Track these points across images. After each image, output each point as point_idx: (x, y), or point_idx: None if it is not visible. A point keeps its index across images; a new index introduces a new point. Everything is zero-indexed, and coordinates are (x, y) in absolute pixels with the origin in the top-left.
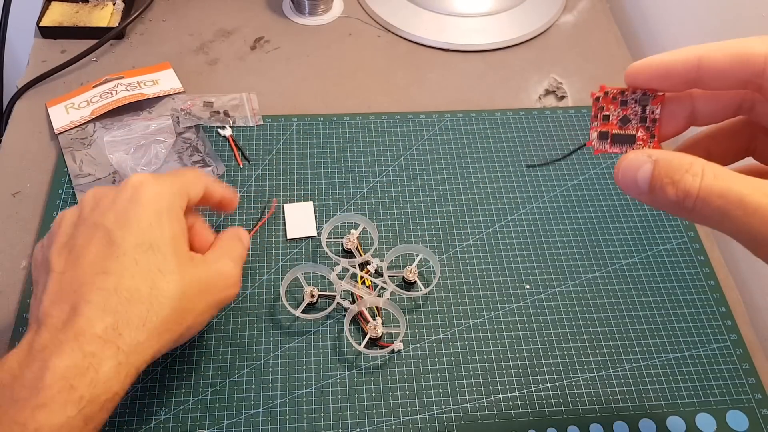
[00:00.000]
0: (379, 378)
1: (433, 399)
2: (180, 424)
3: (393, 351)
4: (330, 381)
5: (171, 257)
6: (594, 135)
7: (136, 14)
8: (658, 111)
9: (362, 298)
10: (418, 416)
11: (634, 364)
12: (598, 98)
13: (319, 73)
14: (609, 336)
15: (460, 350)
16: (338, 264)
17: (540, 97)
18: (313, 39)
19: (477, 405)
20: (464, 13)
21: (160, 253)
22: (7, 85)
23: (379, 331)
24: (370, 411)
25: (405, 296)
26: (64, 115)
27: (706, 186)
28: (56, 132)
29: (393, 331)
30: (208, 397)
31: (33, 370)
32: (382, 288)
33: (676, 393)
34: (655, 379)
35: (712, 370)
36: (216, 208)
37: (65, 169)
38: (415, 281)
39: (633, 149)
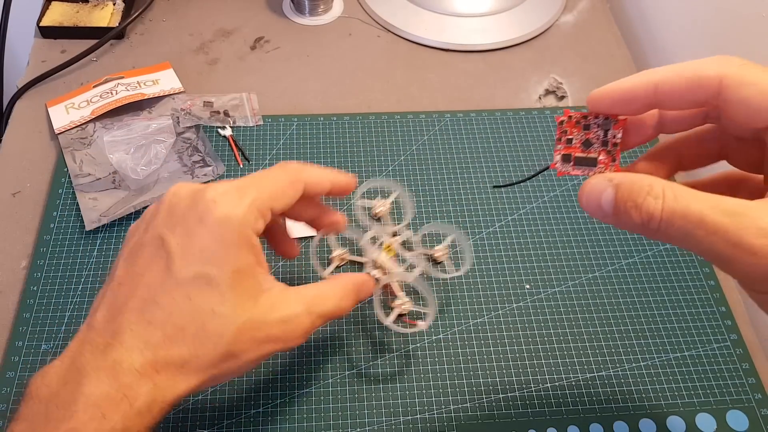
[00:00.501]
0: (379, 378)
1: (433, 399)
2: (180, 424)
3: (417, 331)
4: (330, 381)
5: (229, 296)
6: (557, 157)
7: (136, 14)
8: (619, 135)
9: (390, 271)
10: (418, 416)
11: (634, 364)
12: (562, 122)
13: (319, 73)
14: (609, 336)
15: (460, 350)
16: (370, 229)
17: (540, 97)
18: (313, 39)
19: (477, 405)
20: (464, 13)
21: (218, 291)
22: (7, 85)
23: (408, 308)
24: (370, 411)
25: (435, 277)
26: (64, 115)
27: (668, 207)
28: (56, 132)
29: (422, 311)
30: (209, 396)
31: (68, 390)
32: (412, 265)
33: (676, 393)
34: (655, 378)
35: (712, 370)
36: (330, 195)
37: (65, 169)
38: (443, 262)
39: (595, 173)
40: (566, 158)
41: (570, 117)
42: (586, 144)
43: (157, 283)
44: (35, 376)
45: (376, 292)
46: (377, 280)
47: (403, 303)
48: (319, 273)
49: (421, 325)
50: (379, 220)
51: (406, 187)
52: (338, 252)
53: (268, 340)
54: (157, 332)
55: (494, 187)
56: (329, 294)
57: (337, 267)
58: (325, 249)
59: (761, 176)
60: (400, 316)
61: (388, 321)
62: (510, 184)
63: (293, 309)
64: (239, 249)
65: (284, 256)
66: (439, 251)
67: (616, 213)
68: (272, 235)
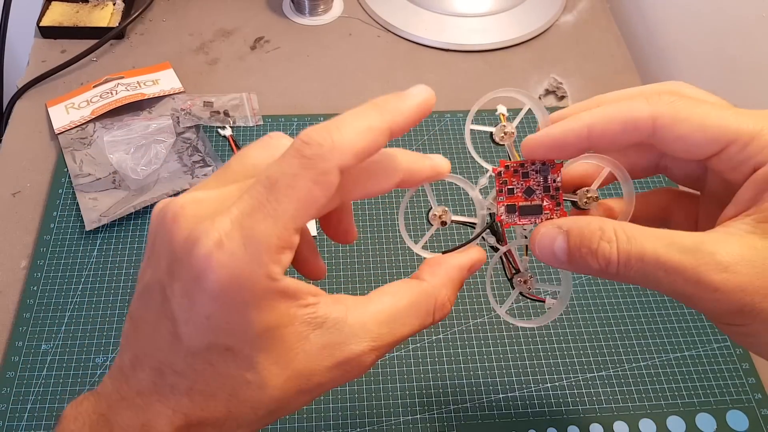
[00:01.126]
0: (379, 378)
1: (433, 399)
2: None
3: (546, 321)
4: None
5: (261, 359)
6: (501, 209)
7: (136, 14)
8: (559, 180)
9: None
10: (418, 416)
11: (634, 364)
12: (499, 173)
13: (319, 73)
14: (609, 336)
15: (460, 350)
16: (486, 173)
17: (540, 97)
18: (313, 39)
19: (477, 405)
20: (464, 13)
21: (242, 357)
22: (7, 85)
23: (532, 285)
24: (370, 411)
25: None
26: (64, 115)
27: (623, 250)
28: (56, 132)
29: (550, 289)
30: None
31: None
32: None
33: (676, 393)
34: (655, 378)
35: (712, 370)
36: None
37: (65, 169)
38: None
39: (542, 220)
40: (511, 209)
41: (507, 167)
42: (528, 192)
43: (168, 347)
44: (70, 405)
45: (490, 266)
46: (495, 250)
47: (525, 279)
48: (412, 248)
49: (554, 305)
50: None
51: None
52: (436, 211)
53: (320, 388)
54: (184, 399)
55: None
56: (409, 312)
57: (438, 230)
58: (416, 209)
59: (695, 194)
60: (521, 295)
61: (503, 310)
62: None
63: (354, 348)
64: (258, 309)
65: (311, 278)
66: (589, 194)
67: (571, 260)
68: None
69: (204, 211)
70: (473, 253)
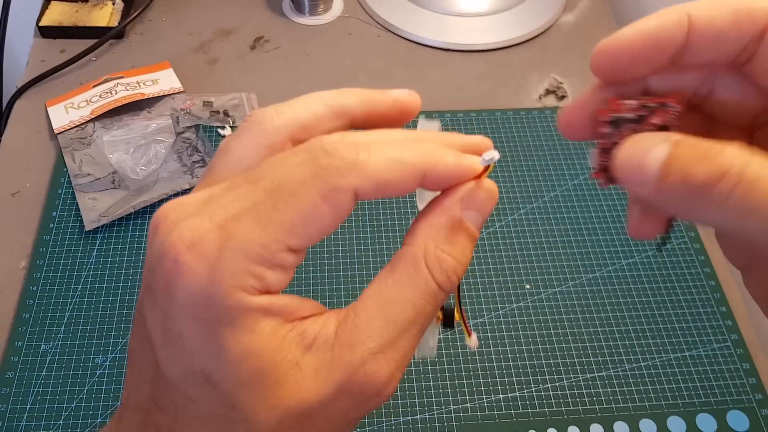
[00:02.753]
0: None
1: (433, 399)
2: None
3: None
4: None
5: (243, 395)
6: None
7: (136, 14)
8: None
9: None
10: (418, 416)
11: (634, 364)
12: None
13: (318, 72)
14: (609, 336)
15: (460, 350)
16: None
17: (540, 97)
18: (313, 39)
19: (477, 405)
20: (464, 13)
21: (222, 389)
22: (6, 85)
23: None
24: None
25: None
26: (63, 114)
27: (752, 170)
28: (56, 132)
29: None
30: None
31: None
32: None
33: (676, 393)
34: (655, 379)
35: (712, 370)
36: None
37: (65, 169)
38: None
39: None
40: (615, 123)
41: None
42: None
43: (150, 378)
44: None
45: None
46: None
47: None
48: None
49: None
50: None
51: None
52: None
53: (329, 425)
54: None
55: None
56: (399, 286)
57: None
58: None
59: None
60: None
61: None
62: None
63: (351, 358)
64: (233, 328)
65: None
66: None
67: (665, 174)
68: None
69: (186, 215)
70: (451, 167)
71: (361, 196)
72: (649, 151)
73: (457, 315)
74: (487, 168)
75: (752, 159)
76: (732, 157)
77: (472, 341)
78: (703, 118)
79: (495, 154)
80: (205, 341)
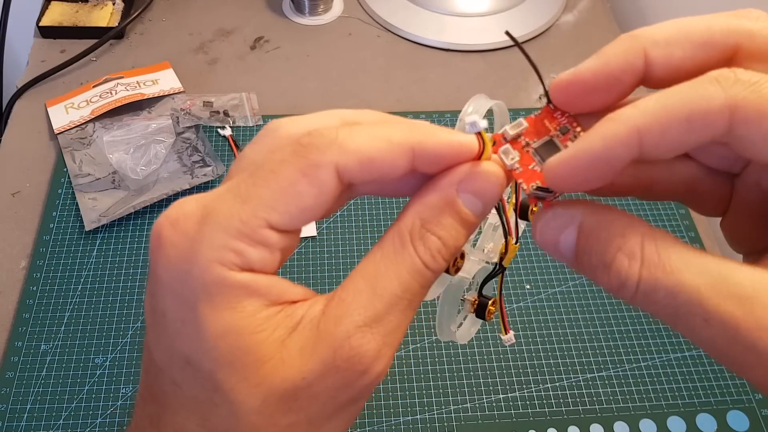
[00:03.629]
0: None
1: (433, 399)
2: None
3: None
4: None
5: (224, 376)
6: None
7: (136, 14)
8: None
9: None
10: (418, 416)
11: (634, 364)
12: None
13: (319, 72)
14: (609, 336)
15: (460, 350)
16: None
17: (540, 97)
18: (313, 39)
19: (477, 405)
20: (464, 13)
21: (203, 370)
22: (6, 85)
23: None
24: (370, 411)
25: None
26: (63, 114)
27: (649, 278)
28: (56, 132)
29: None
30: None
31: None
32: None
33: (676, 393)
34: (655, 379)
35: (712, 371)
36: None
37: (65, 169)
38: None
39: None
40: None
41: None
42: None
43: (147, 367)
44: None
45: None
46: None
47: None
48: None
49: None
50: None
51: None
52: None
53: (316, 407)
54: None
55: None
56: (385, 259)
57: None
58: None
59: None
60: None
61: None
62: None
63: (337, 332)
64: (211, 305)
65: None
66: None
67: (577, 262)
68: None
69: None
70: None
71: (345, 173)
72: (560, 232)
73: (492, 307)
74: (484, 145)
75: (645, 262)
76: (627, 263)
77: (508, 337)
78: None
79: (477, 119)
80: (185, 321)
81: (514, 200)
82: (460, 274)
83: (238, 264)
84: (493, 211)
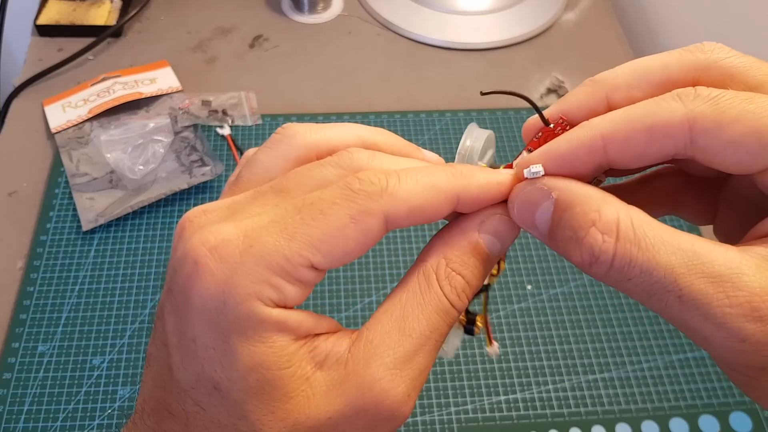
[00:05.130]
0: None
1: (434, 401)
2: None
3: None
4: None
5: (251, 406)
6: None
7: (134, 12)
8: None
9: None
10: (419, 418)
11: (636, 366)
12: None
13: (318, 71)
14: (611, 337)
15: (460, 351)
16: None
17: (542, 96)
18: (312, 37)
19: (478, 407)
20: (465, 11)
21: (231, 400)
22: (3, 84)
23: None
24: None
25: None
26: (60, 114)
27: (623, 253)
28: (53, 131)
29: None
30: None
31: None
32: None
33: (679, 395)
34: (657, 380)
35: (715, 372)
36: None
37: (62, 169)
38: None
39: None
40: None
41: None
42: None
43: (165, 383)
44: None
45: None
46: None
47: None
48: None
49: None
50: None
51: None
52: None
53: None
54: None
55: (482, 93)
56: (412, 299)
57: None
58: None
59: (714, 179)
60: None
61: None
62: (497, 92)
63: (366, 374)
64: (245, 338)
65: None
66: None
67: (551, 238)
68: None
69: (210, 220)
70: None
71: (393, 222)
72: (536, 207)
73: (480, 322)
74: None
75: (621, 238)
76: (601, 238)
77: (493, 349)
78: (678, 172)
79: (541, 169)
80: (216, 348)
81: None
82: None
83: (274, 300)
84: None
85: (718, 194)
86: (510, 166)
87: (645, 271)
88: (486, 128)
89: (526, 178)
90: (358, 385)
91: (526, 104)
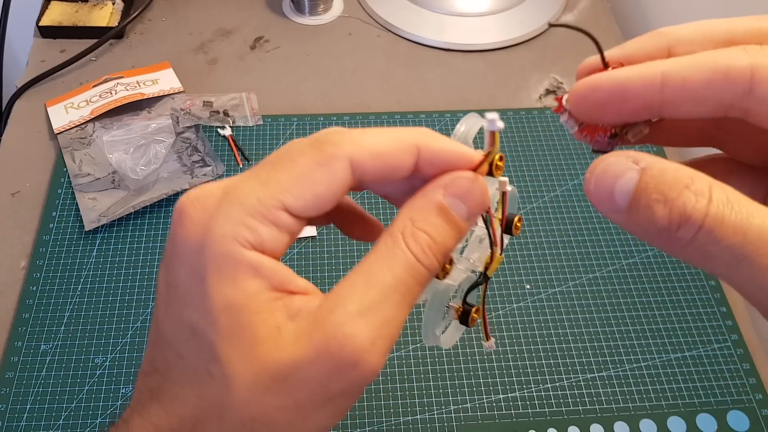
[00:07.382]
0: (379, 378)
1: (433, 399)
2: None
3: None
4: None
5: (223, 347)
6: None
7: (136, 14)
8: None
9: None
10: (418, 416)
11: (634, 365)
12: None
13: (319, 72)
14: (609, 336)
15: (460, 350)
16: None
17: (540, 97)
18: (312, 38)
19: (477, 405)
20: (464, 13)
21: (206, 340)
22: (6, 85)
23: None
24: (370, 411)
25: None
26: (63, 114)
27: (716, 214)
28: (55, 132)
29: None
30: None
31: None
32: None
33: (676, 393)
34: (655, 379)
35: (712, 371)
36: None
37: (64, 169)
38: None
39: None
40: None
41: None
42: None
43: (154, 339)
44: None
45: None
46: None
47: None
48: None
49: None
50: None
51: None
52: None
53: (305, 393)
54: (154, 406)
55: (550, 25)
56: (378, 256)
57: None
58: None
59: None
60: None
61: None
62: (565, 26)
63: (333, 320)
64: (219, 277)
65: (360, 240)
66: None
67: (632, 207)
68: (339, 216)
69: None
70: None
71: (358, 166)
72: (618, 178)
73: (475, 315)
74: (484, 159)
75: (714, 200)
76: (694, 198)
77: (488, 344)
78: (724, 162)
79: (497, 118)
80: (194, 292)
81: (500, 215)
82: (446, 281)
83: (250, 241)
84: (481, 224)
85: (767, 182)
86: (486, 155)
87: (738, 232)
88: (503, 127)
89: (564, 109)
90: (323, 330)
91: (526, 105)
